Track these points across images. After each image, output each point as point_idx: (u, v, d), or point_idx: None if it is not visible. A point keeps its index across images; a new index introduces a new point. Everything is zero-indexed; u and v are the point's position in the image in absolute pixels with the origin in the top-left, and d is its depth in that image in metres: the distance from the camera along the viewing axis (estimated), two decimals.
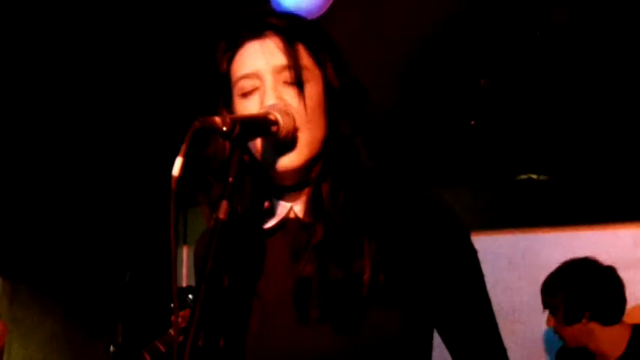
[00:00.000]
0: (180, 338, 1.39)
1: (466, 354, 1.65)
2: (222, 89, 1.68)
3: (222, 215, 1.46)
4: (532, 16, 3.76)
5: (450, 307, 1.63)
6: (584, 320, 3.56)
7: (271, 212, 1.70)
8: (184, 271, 5.70)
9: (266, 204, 1.71)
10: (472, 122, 4.60)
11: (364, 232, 1.59)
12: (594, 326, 3.57)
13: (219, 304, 1.66)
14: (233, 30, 1.67)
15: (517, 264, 4.82)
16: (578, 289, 3.60)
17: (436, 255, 1.60)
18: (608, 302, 3.60)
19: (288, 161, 1.59)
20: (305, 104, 1.59)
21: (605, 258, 3.70)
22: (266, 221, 1.70)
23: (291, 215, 1.68)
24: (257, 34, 1.64)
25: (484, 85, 4.25)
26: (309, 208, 1.64)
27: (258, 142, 1.61)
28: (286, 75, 1.60)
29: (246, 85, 1.62)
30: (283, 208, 1.68)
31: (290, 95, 1.60)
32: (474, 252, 1.66)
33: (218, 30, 1.72)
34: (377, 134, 1.68)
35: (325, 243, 1.59)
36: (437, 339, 1.69)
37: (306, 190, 1.66)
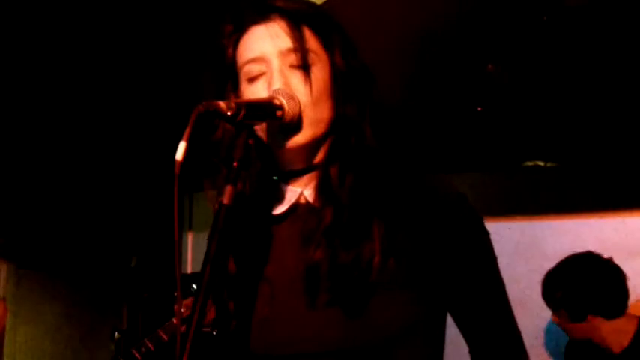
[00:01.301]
0: (183, 327, 1.38)
1: (480, 338, 1.65)
2: (229, 74, 1.67)
3: (226, 200, 1.45)
4: (540, 0, 3.73)
5: (462, 291, 1.62)
6: (588, 317, 3.54)
7: (281, 198, 1.69)
8: (189, 256, 5.71)
9: (274, 185, 1.70)
10: (479, 108, 4.58)
11: (373, 215, 1.58)
12: (598, 321, 3.54)
13: (227, 289, 1.66)
14: (238, 13, 1.67)
15: (524, 251, 4.80)
16: (578, 289, 3.58)
17: (448, 238, 1.59)
18: (609, 297, 3.57)
19: (294, 140, 1.59)
20: (311, 87, 1.58)
21: (612, 246, 3.69)
22: (276, 207, 1.69)
23: (302, 200, 1.68)
24: (263, 17, 1.63)
25: (491, 70, 4.22)
26: (318, 191, 1.63)
27: (264, 126, 1.60)
28: (292, 58, 1.60)
29: (253, 69, 1.62)
30: (293, 193, 1.68)
31: (296, 78, 1.59)
32: (486, 234, 1.65)
33: (223, 14, 1.70)
34: (384, 118, 1.67)
35: (334, 226, 1.57)
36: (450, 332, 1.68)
37: (315, 175, 1.65)
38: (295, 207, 1.68)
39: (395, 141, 1.69)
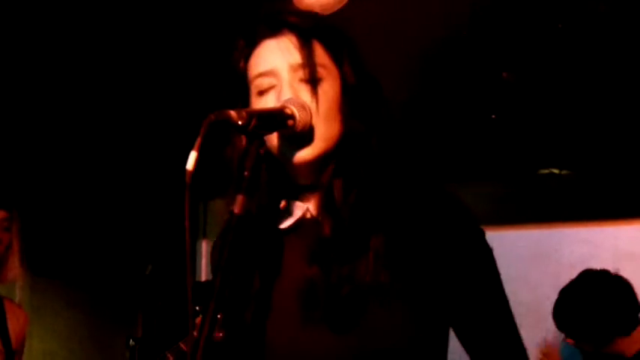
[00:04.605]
0: (196, 334, 1.39)
1: (484, 352, 1.63)
2: (239, 88, 1.68)
3: (237, 209, 1.45)
4: (556, 7, 3.73)
5: (465, 308, 1.61)
6: (615, 340, 3.50)
7: (288, 213, 1.69)
8: (203, 264, 5.71)
9: (282, 203, 1.70)
10: (493, 116, 4.57)
11: (372, 231, 1.58)
12: (621, 340, 3.50)
13: (229, 300, 1.67)
14: (251, 28, 1.67)
15: (540, 259, 4.79)
16: (599, 318, 3.49)
17: (449, 254, 1.58)
18: (629, 316, 3.51)
19: (304, 154, 1.59)
20: (318, 101, 1.59)
21: (628, 254, 3.67)
22: (283, 221, 1.69)
23: (308, 215, 1.68)
24: (274, 32, 1.64)
25: (506, 78, 4.21)
26: (320, 205, 1.63)
27: (274, 137, 1.60)
28: (302, 73, 1.60)
29: (263, 83, 1.62)
30: (300, 208, 1.68)
31: (305, 92, 1.59)
32: (489, 251, 1.64)
33: (236, 27, 1.72)
34: (393, 133, 1.67)
35: (332, 240, 1.58)
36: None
37: (323, 188, 1.65)
38: (301, 221, 1.68)
39: (403, 154, 1.68)
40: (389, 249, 1.56)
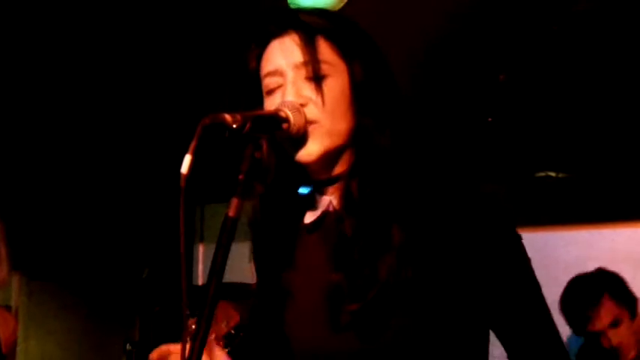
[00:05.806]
0: (190, 338, 1.39)
1: (521, 344, 1.60)
2: (253, 87, 1.68)
3: (231, 213, 1.45)
4: (551, 9, 3.72)
5: (498, 297, 1.58)
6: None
7: (313, 207, 1.69)
8: (200, 268, 5.70)
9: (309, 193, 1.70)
10: (490, 119, 4.57)
11: (394, 227, 1.55)
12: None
13: (258, 298, 1.69)
14: (260, 29, 1.67)
15: (536, 262, 4.76)
16: (623, 285, 3.53)
17: (476, 245, 1.55)
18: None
19: (303, 154, 1.58)
20: (323, 99, 1.58)
21: (625, 256, 3.68)
22: (308, 216, 1.69)
23: (330, 209, 1.67)
24: (280, 31, 1.64)
25: (502, 80, 4.21)
26: (342, 204, 1.63)
27: (278, 138, 1.61)
28: (306, 71, 1.59)
29: (271, 82, 1.62)
30: (324, 201, 1.67)
31: (309, 90, 1.59)
32: (518, 239, 1.63)
33: (245, 28, 1.72)
34: (408, 129, 1.65)
35: (355, 240, 1.56)
36: None
37: (341, 184, 1.64)
38: (325, 215, 1.67)
39: (421, 149, 1.67)
40: (411, 246, 1.54)
